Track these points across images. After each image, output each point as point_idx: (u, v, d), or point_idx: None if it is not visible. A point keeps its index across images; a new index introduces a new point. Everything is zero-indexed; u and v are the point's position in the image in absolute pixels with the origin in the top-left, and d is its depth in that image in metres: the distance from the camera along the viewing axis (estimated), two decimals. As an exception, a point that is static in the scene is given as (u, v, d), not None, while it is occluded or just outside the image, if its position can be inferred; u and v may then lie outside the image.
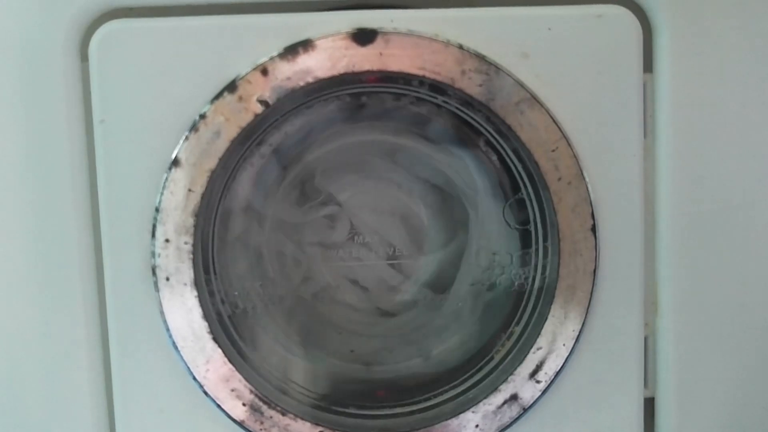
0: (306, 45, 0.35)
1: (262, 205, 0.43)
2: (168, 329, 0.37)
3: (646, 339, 0.39)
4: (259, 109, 0.36)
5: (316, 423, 0.38)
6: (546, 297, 0.38)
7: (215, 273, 0.40)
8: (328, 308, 0.46)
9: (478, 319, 0.43)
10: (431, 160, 0.43)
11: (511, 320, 0.41)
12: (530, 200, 0.40)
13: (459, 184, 0.43)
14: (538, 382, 0.38)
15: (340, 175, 0.45)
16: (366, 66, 0.36)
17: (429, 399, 0.40)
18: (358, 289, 0.46)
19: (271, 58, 0.35)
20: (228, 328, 0.40)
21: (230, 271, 0.42)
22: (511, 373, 0.38)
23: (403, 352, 0.45)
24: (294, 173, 0.43)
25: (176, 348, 0.37)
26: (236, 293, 0.42)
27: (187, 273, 0.37)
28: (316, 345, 0.44)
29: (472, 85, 0.36)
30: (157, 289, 0.37)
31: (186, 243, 0.36)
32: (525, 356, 0.38)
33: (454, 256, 0.45)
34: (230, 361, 0.37)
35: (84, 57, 0.37)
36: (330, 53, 0.35)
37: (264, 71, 0.35)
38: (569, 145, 0.37)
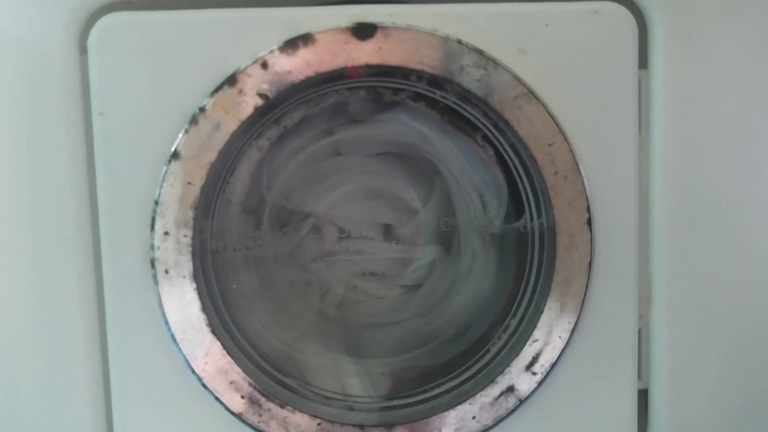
0: (306, 39, 0.36)
1: (255, 247, 0.43)
2: (167, 322, 0.37)
3: (640, 331, 0.40)
4: (259, 102, 0.36)
5: (314, 415, 0.38)
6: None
7: (236, 325, 0.40)
8: (356, 312, 0.46)
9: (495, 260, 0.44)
10: (373, 139, 0.43)
11: (507, 313, 0.41)
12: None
13: (409, 141, 0.43)
14: (534, 374, 0.38)
15: (308, 190, 0.45)
16: (365, 60, 0.36)
17: (426, 391, 0.40)
18: (374, 279, 0.46)
19: (271, 52, 0.36)
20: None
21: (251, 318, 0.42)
22: (508, 365, 0.38)
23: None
24: (268, 211, 0.44)
25: (175, 340, 0.37)
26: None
27: (186, 266, 0.37)
28: (364, 351, 0.44)
29: (470, 80, 0.36)
30: (156, 281, 0.37)
31: (185, 236, 0.36)
32: (521, 348, 0.38)
33: (444, 205, 0.45)
34: (229, 353, 0.37)
35: (83, 49, 0.37)
36: (330, 47, 0.36)
37: (264, 65, 0.36)
38: (566, 140, 0.37)
